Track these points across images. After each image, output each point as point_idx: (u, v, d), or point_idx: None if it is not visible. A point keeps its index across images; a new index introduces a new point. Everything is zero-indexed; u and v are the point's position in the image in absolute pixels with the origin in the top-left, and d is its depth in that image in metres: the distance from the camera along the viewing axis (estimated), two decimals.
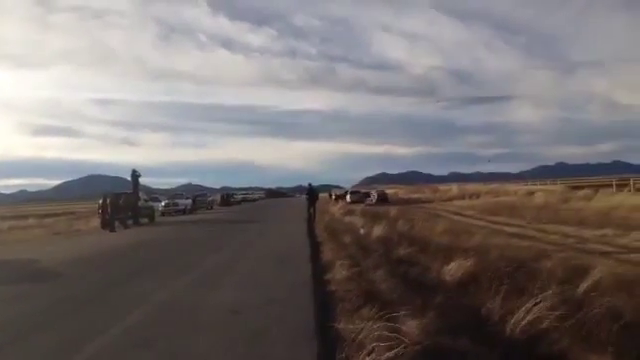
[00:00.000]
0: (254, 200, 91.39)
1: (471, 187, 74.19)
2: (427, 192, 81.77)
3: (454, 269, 10.40)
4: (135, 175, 33.55)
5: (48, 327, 7.44)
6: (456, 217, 35.95)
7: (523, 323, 5.98)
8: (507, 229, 25.27)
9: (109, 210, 29.55)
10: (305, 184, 36.71)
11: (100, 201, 31.09)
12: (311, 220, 29.87)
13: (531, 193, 50.62)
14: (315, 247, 16.11)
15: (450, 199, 60.10)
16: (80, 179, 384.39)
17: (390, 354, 4.90)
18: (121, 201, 30.79)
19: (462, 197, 59.54)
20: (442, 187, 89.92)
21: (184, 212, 45.71)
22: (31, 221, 38.79)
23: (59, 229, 30.84)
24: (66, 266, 14.30)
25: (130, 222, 31.32)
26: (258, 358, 5.56)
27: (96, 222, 30.93)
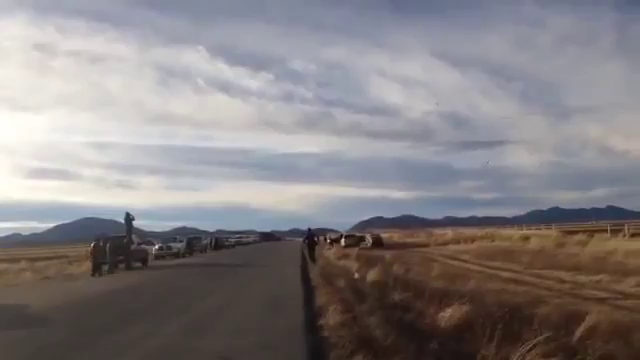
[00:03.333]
0: (248, 243, 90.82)
1: (466, 231, 74.08)
2: (422, 236, 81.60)
3: (449, 315, 10.28)
4: (129, 218, 33.37)
5: None
6: (451, 261, 35.80)
7: None
8: (503, 274, 25.16)
9: (97, 254, 29.24)
10: (300, 227, 36.91)
11: (91, 245, 30.79)
12: (306, 264, 29.69)
13: (526, 238, 50.55)
14: (309, 291, 15.94)
15: (445, 243, 59.97)
16: (74, 222, 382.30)
17: None
18: (112, 245, 30.47)
19: (457, 241, 59.39)
20: (437, 231, 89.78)
21: (178, 255, 45.30)
22: (22, 264, 38.27)
23: (50, 273, 30.42)
24: (55, 311, 14.05)
25: (122, 266, 30.98)
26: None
27: (88, 266, 30.53)
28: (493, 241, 53.24)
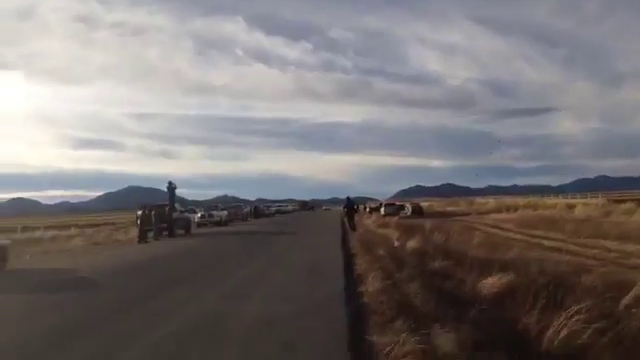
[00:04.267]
0: (287, 212, 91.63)
1: (508, 200, 72.94)
2: (463, 205, 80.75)
3: (490, 283, 10.20)
4: (171, 187, 34.02)
5: (86, 333, 7.58)
6: (493, 230, 35.38)
7: (560, 337, 5.80)
8: (546, 243, 24.74)
9: (143, 222, 30.02)
10: (339, 196, 36.96)
11: (137, 212, 31.61)
12: (346, 232, 29.83)
13: (571, 206, 49.46)
14: (349, 259, 16.03)
15: (487, 212, 59.19)
16: (119, 191, 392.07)
17: None
18: (156, 213, 31.25)
19: (499, 210, 58.54)
20: (479, 200, 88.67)
21: (219, 223, 46.11)
22: (73, 231, 39.66)
23: (99, 239, 31.48)
24: (102, 276, 14.57)
25: (166, 233, 31.75)
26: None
27: (134, 233, 31.41)
28: (536, 210, 52.24)
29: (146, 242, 28.48)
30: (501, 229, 35.81)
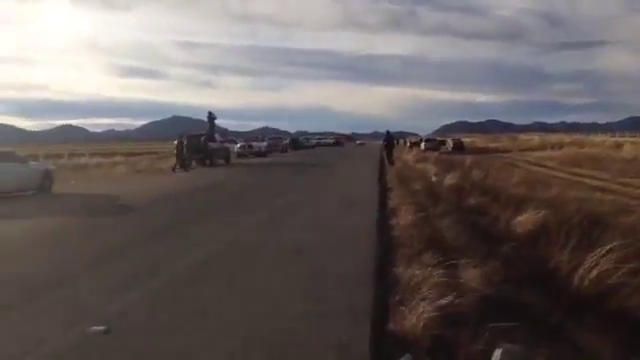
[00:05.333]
0: (328, 145, 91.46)
1: (554, 137, 71.03)
2: (506, 142, 79.12)
3: (525, 220, 10.04)
4: (211, 117, 34.26)
5: (122, 255, 7.86)
6: (534, 168, 34.64)
7: (591, 276, 5.68)
8: (588, 182, 24.12)
9: (184, 151, 30.40)
10: (381, 130, 36.48)
11: (175, 142, 32.07)
12: (384, 166, 29.72)
13: (619, 145, 47.80)
14: (384, 193, 16.01)
15: (530, 149, 57.89)
16: (164, 120, 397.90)
17: (445, 301, 4.80)
18: (193, 143, 31.58)
19: (543, 148, 57.13)
20: (523, 137, 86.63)
21: (259, 154, 46.52)
22: (117, 159, 40.67)
23: (141, 167, 32.23)
24: (143, 202, 14.99)
25: (208, 162, 32.25)
26: (315, 296, 5.61)
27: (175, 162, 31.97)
28: (582, 148, 50.76)
29: (186, 171, 29.02)
30: (543, 167, 35.03)
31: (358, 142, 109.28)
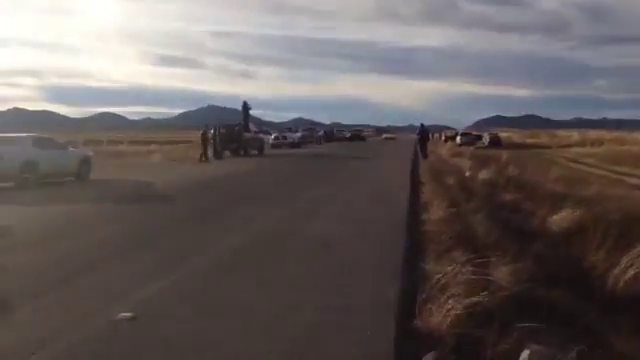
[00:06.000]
0: (363, 138, 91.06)
1: (594, 134, 69.25)
2: (544, 137, 77.48)
3: (561, 218, 9.81)
4: (245, 108, 34.50)
5: (156, 241, 7.97)
6: (573, 165, 33.85)
7: (626, 277, 5.51)
8: (629, 180, 23.41)
9: (205, 140, 30.61)
10: (416, 123, 36.08)
11: (210, 131, 32.41)
12: (418, 160, 29.46)
13: None
14: (416, 187, 15.86)
15: (569, 145, 56.54)
16: (199, 109, 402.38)
17: (473, 299, 4.71)
18: (225, 133, 31.87)
19: (583, 144, 55.76)
20: (562, 133, 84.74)
21: (292, 145, 46.66)
22: (153, 147, 41.39)
23: (176, 156, 32.69)
24: (176, 189, 15.25)
25: (242, 152, 32.51)
26: (341, 290, 5.59)
27: (210, 151, 32.29)
28: (623, 145, 49.33)
29: (221, 159, 29.33)
30: (582, 164, 34.19)
31: (385, 136, 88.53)
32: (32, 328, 4.51)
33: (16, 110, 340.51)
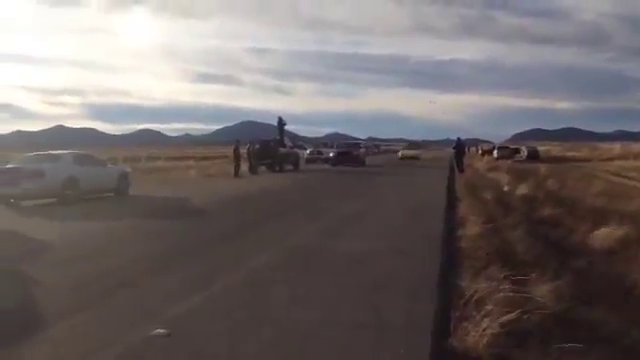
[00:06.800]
0: (396, 152, 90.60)
1: (637, 147, 67.26)
2: (585, 151, 75.73)
3: (602, 234, 9.54)
4: (281, 123, 34.75)
5: (189, 257, 8.05)
6: (615, 179, 32.89)
7: None
8: None
9: (241, 156, 30.95)
10: (452, 137, 35.74)
11: (247, 147, 32.71)
12: (454, 174, 29.14)
13: None
14: (452, 202, 15.65)
15: (611, 159, 55.03)
16: (236, 125, 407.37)
17: (510, 317, 4.58)
18: (260, 148, 32.18)
19: (625, 157, 54.18)
20: (603, 146, 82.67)
21: (327, 161, 46.65)
22: (190, 163, 42.02)
23: (212, 172, 33.06)
24: (212, 205, 15.41)
25: (277, 167, 32.71)
26: (374, 307, 5.51)
27: (245, 166, 32.60)
28: None
29: (257, 174, 29.61)
30: (625, 177, 33.20)
31: (402, 154, 56.21)
32: (70, 344, 4.58)
33: (60, 127, 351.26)
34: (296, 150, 40.54)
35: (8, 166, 16.37)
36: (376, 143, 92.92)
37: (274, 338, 4.67)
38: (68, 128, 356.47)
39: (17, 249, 9.15)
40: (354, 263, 7.66)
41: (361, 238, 9.79)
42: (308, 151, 48.64)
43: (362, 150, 51.17)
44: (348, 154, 41.78)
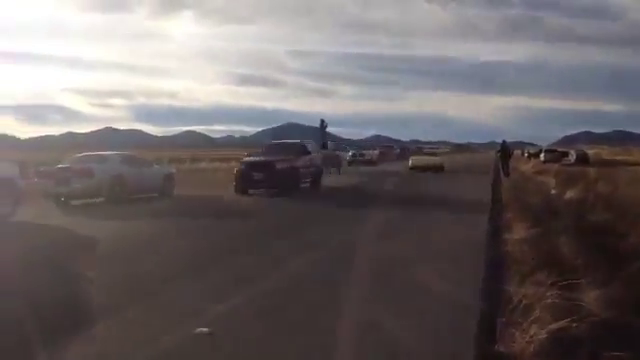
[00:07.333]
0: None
1: None
2: (637, 154, 73.21)
3: None
4: (322, 125, 34.88)
5: (238, 254, 8.15)
6: None
7: None
8: None
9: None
10: (498, 140, 35.07)
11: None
12: (499, 177, 28.61)
13: None
14: (497, 204, 15.36)
15: None
16: (279, 127, 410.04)
17: (559, 324, 4.44)
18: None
19: None
20: None
21: (369, 163, 46.56)
22: (234, 164, 42.43)
23: None
24: (254, 205, 15.59)
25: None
26: (417, 310, 5.45)
27: None
28: None
29: None
30: None
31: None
32: (114, 340, 4.68)
33: (108, 129, 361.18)
34: (338, 152, 40.60)
35: (59, 166, 16.92)
36: (419, 146, 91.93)
37: (320, 340, 4.66)
38: (116, 130, 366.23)
39: (68, 246, 9.46)
40: (397, 268, 7.58)
41: (403, 241, 9.72)
42: (350, 153, 48.69)
43: (375, 152, 52.45)
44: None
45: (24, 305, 5.40)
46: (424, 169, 34.76)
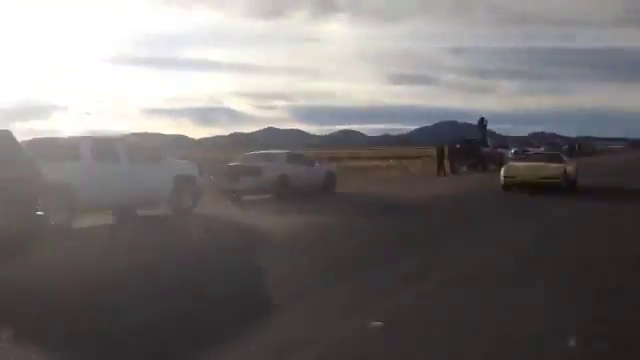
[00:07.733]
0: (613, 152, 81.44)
1: None
2: None
3: None
4: (482, 123, 33.70)
5: (405, 252, 8.17)
6: None
7: None
8: None
9: (449, 157, 30.47)
10: None
11: (446, 148, 32.29)
12: None
13: None
14: None
15: None
16: (434, 125, 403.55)
17: None
18: (467, 147, 31.52)
19: None
20: None
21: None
22: (391, 162, 42.63)
23: (414, 171, 33.24)
24: (416, 204, 15.52)
25: (480, 167, 31.85)
26: (609, 313, 5.01)
27: (446, 165, 32.08)
28: None
29: (456, 175, 29.10)
30: None
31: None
32: (295, 328, 4.91)
33: (270, 129, 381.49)
34: (500, 150, 38.93)
35: (230, 164, 18.19)
36: (589, 141, 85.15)
37: (497, 342, 4.47)
38: (277, 129, 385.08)
39: (244, 239, 10.13)
40: (578, 270, 7.07)
41: (579, 242, 9.05)
42: (513, 150, 46.39)
43: (541, 149, 48.92)
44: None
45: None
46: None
